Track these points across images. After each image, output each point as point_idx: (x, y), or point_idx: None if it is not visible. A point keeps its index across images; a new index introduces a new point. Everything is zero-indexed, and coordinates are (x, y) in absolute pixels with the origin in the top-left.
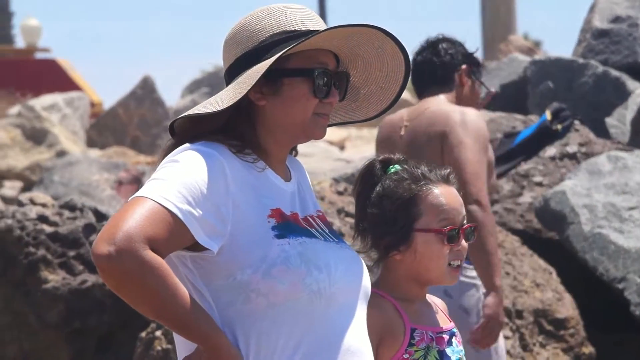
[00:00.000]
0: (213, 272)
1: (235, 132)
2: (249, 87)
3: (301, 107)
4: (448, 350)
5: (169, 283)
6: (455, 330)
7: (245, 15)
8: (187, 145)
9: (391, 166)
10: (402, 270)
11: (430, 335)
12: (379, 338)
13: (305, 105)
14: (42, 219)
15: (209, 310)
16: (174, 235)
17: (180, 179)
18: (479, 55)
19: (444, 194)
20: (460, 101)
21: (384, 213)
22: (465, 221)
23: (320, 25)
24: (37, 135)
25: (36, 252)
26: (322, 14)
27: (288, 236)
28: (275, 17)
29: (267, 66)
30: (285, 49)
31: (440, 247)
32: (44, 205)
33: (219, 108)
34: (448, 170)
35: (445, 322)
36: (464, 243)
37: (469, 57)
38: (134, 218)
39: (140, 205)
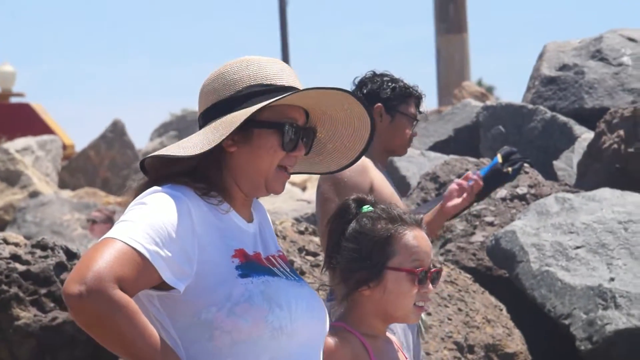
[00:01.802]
0: (179, 310)
1: (202, 175)
2: (225, 136)
3: (268, 157)
4: None
5: (137, 321)
6: None
7: (224, 64)
8: (155, 188)
9: (365, 206)
10: (369, 306)
11: None
12: None
13: (272, 156)
14: (15, 257)
15: (175, 348)
16: (141, 275)
17: (148, 221)
18: (420, 94)
19: (417, 237)
20: (378, 141)
21: (360, 249)
22: (432, 268)
23: (293, 80)
24: (10, 177)
25: (9, 290)
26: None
27: (251, 275)
28: (253, 70)
29: (245, 116)
30: (265, 103)
31: (410, 286)
32: (16, 244)
33: (195, 152)
34: (421, 216)
35: (402, 359)
36: (430, 286)
37: (389, 95)
38: (104, 259)
39: (109, 246)
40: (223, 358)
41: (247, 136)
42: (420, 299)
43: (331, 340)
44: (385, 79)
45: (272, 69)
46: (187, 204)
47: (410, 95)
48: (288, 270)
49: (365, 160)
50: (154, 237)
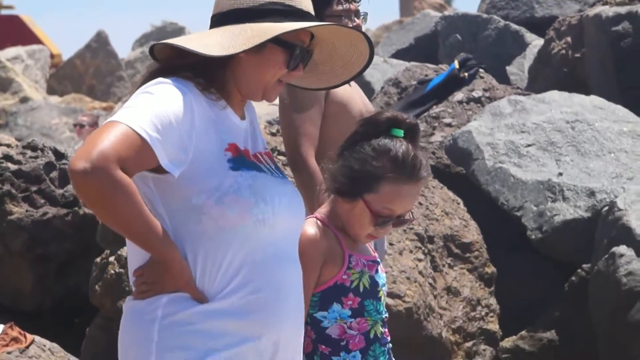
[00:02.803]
0: (171, 193)
1: (206, 71)
2: (256, 44)
3: (273, 71)
4: (376, 276)
5: (135, 200)
6: (379, 260)
7: None
8: (160, 79)
9: (396, 129)
10: (341, 213)
11: (363, 262)
12: (323, 260)
13: (276, 71)
14: (7, 157)
15: (164, 227)
16: (141, 158)
17: (153, 109)
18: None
19: (403, 193)
20: None
21: (359, 166)
22: (406, 215)
23: (309, 5)
24: (2, 84)
25: (2, 188)
26: None
27: (241, 169)
28: None
29: (281, 31)
30: (303, 25)
31: (369, 223)
32: (8, 145)
33: (219, 53)
34: (426, 172)
35: (372, 252)
36: (388, 228)
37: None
38: (109, 140)
39: (115, 129)
40: (207, 242)
41: (260, 47)
42: (374, 232)
43: (311, 230)
44: None
45: None
46: (189, 97)
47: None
48: (273, 167)
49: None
50: (157, 124)
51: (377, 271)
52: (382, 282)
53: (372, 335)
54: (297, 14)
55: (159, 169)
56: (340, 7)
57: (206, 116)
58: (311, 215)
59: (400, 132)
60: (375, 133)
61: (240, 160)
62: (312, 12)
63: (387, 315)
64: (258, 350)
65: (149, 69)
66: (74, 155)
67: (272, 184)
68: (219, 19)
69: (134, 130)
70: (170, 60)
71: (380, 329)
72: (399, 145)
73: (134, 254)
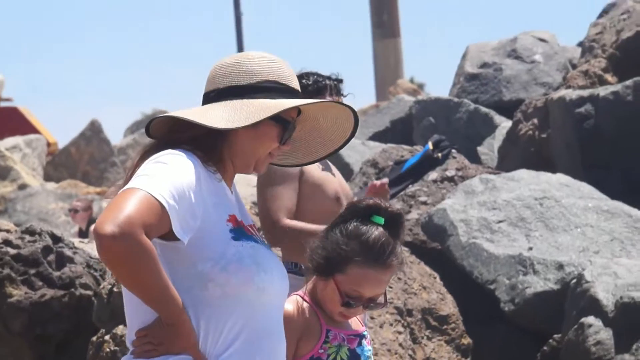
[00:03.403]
0: (178, 260)
1: (204, 145)
2: (261, 118)
3: (266, 145)
4: (358, 350)
5: (157, 265)
6: (365, 333)
7: (245, 53)
8: (170, 150)
9: (377, 217)
10: (318, 289)
11: (342, 336)
12: (299, 335)
13: (270, 145)
14: (7, 242)
15: None
16: (160, 224)
17: (169, 177)
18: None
19: (370, 277)
20: None
21: (332, 247)
22: (376, 298)
23: (297, 85)
24: (1, 172)
25: (2, 271)
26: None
27: (241, 239)
28: (273, 67)
29: (285, 107)
30: (305, 103)
31: (337, 302)
32: (7, 231)
33: (225, 126)
34: (397, 260)
35: (357, 326)
36: (357, 309)
37: (310, 89)
38: (134, 205)
39: (136, 195)
40: (211, 308)
41: (256, 123)
42: (345, 312)
43: (289, 307)
44: (302, 80)
45: (288, 71)
46: (198, 167)
47: (324, 87)
48: (262, 239)
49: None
50: (173, 193)
51: (359, 344)
52: (366, 355)
53: None
54: (289, 92)
55: (167, 236)
56: (329, 98)
57: (210, 186)
58: (295, 293)
59: (381, 220)
60: (356, 217)
61: (240, 231)
62: (299, 90)
63: None
64: None
65: (147, 145)
66: (100, 219)
67: (268, 255)
68: (217, 95)
69: (154, 197)
70: (170, 134)
71: None
72: (372, 231)
73: (136, 315)
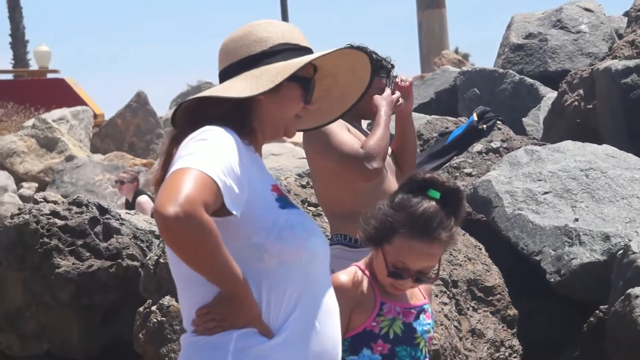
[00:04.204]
0: (231, 234)
1: (233, 119)
2: (279, 81)
3: (292, 108)
4: (414, 323)
5: (219, 241)
6: (426, 307)
7: (248, 25)
8: (207, 127)
9: (432, 190)
10: (373, 260)
11: (397, 310)
12: (351, 307)
13: (295, 107)
14: (54, 214)
15: None
16: (215, 200)
17: (215, 153)
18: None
19: (414, 248)
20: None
21: (383, 217)
22: (426, 272)
23: (308, 42)
24: (49, 144)
25: (50, 242)
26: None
27: (287, 207)
28: (281, 30)
29: (299, 66)
30: (322, 54)
31: (383, 271)
32: (55, 202)
33: (249, 94)
34: (446, 234)
35: (417, 299)
36: (406, 282)
37: None
38: (191, 184)
39: (190, 174)
40: (269, 277)
41: (278, 87)
42: (395, 284)
43: (343, 278)
44: (372, 54)
45: (296, 31)
46: (238, 141)
47: (382, 67)
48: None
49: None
50: (222, 168)
51: (417, 317)
52: (423, 328)
53: None
54: (302, 50)
55: (219, 212)
56: (383, 79)
57: (250, 158)
58: (354, 264)
59: (436, 194)
60: (411, 190)
61: (285, 199)
62: (310, 47)
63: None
64: None
65: (175, 129)
66: (160, 201)
67: (312, 221)
68: (233, 70)
69: (207, 174)
70: (197, 115)
71: None
72: (422, 204)
73: (191, 295)
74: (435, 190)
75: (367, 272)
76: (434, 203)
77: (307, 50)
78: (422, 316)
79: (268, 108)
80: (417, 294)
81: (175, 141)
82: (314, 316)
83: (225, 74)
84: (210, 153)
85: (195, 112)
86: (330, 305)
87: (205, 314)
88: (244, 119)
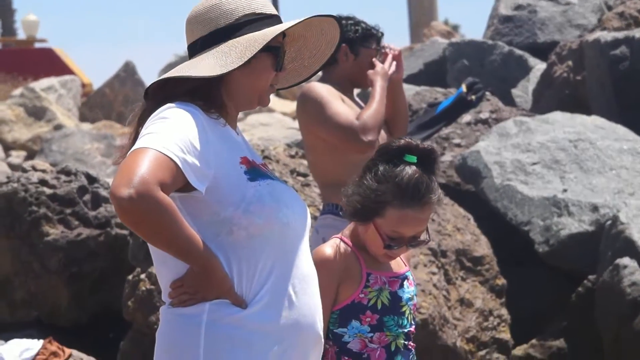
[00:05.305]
0: (199, 209)
1: (204, 93)
2: (249, 56)
3: (264, 77)
4: (399, 292)
5: (178, 218)
6: (408, 274)
7: None
8: (169, 105)
9: (409, 155)
10: (360, 233)
11: (383, 279)
12: (338, 279)
13: (267, 76)
14: (43, 182)
15: None
16: (174, 178)
17: (173, 132)
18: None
19: (408, 217)
20: (344, 76)
21: (367, 191)
22: (418, 236)
23: (273, 9)
24: (37, 112)
25: (38, 211)
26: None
27: (257, 179)
28: (246, 1)
29: (269, 39)
30: (289, 26)
31: (380, 245)
32: (44, 171)
33: (217, 72)
34: (435, 196)
35: (399, 267)
36: (400, 249)
37: (352, 36)
38: (145, 165)
39: (146, 154)
40: (240, 250)
41: (249, 59)
42: (390, 253)
43: (328, 251)
44: (349, 22)
45: (261, 0)
46: (200, 117)
47: (371, 35)
48: (276, 176)
49: (332, 89)
50: (181, 146)
51: (401, 286)
52: (408, 296)
53: (393, 348)
54: (269, 19)
55: (184, 188)
56: (373, 47)
57: (216, 133)
58: (335, 236)
59: (414, 159)
60: (388, 159)
61: (254, 171)
62: (277, 13)
63: (412, 328)
64: (297, 345)
65: (142, 107)
66: (114, 183)
67: (286, 190)
68: (201, 45)
69: (163, 154)
70: (167, 90)
71: (403, 341)
72: (406, 171)
73: (166, 269)
74: (411, 154)
75: (349, 242)
76: (414, 167)
77: (275, 18)
78: (405, 284)
79: (240, 80)
80: (399, 262)
81: (145, 115)
82: (288, 286)
83: (194, 49)
84: (170, 131)
85: (163, 89)
86: (306, 274)
87: (179, 287)
88: (213, 94)
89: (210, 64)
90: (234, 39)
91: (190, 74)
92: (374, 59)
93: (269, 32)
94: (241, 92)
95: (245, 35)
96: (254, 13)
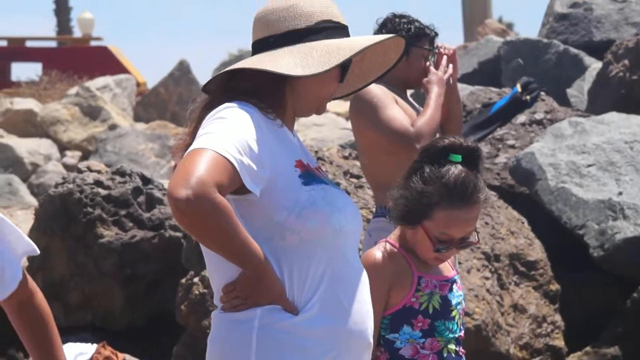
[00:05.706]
0: (253, 212)
1: (266, 92)
2: (339, 62)
3: (330, 87)
4: (449, 296)
5: (234, 221)
6: (456, 278)
7: None
8: (227, 104)
9: (454, 155)
10: (408, 236)
11: (434, 283)
12: (389, 284)
13: (333, 86)
14: (98, 183)
15: None
16: (231, 180)
17: (231, 133)
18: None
19: (457, 218)
20: (397, 77)
21: (414, 194)
22: (467, 237)
23: (345, 21)
24: (92, 112)
25: (93, 212)
26: None
27: (311, 183)
28: (324, 5)
29: (359, 48)
30: (376, 40)
31: (429, 248)
32: (99, 171)
33: (307, 73)
34: (483, 195)
35: (448, 271)
36: (450, 251)
37: (405, 34)
38: (203, 166)
39: (204, 155)
40: (292, 255)
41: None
42: (439, 255)
43: (378, 255)
44: (402, 20)
45: (335, 8)
46: (257, 117)
47: (424, 34)
48: (330, 180)
49: (386, 91)
50: (238, 147)
51: (451, 290)
52: (457, 300)
53: (445, 354)
54: (343, 29)
55: (239, 190)
56: (426, 47)
57: (273, 134)
58: (383, 240)
59: (458, 157)
60: (433, 160)
61: (309, 175)
62: (347, 25)
63: (462, 333)
64: (348, 353)
65: (205, 100)
66: (172, 184)
67: (339, 195)
68: (275, 41)
69: (221, 155)
70: (233, 83)
71: (454, 347)
72: (451, 172)
73: (218, 272)
74: (456, 154)
75: (397, 245)
76: (460, 167)
77: (346, 30)
78: (454, 287)
79: (307, 86)
80: (447, 265)
81: (207, 108)
82: (340, 292)
83: (263, 45)
84: (227, 132)
85: (229, 81)
86: (358, 279)
87: (231, 292)
88: (278, 93)
89: (289, 63)
90: (311, 43)
91: (268, 68)
92: (428, 64)
93: (356, 44)
94: (305, 98)
95: (324, 41)
96: (331, 20)
